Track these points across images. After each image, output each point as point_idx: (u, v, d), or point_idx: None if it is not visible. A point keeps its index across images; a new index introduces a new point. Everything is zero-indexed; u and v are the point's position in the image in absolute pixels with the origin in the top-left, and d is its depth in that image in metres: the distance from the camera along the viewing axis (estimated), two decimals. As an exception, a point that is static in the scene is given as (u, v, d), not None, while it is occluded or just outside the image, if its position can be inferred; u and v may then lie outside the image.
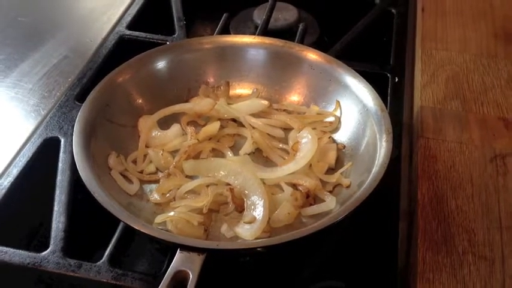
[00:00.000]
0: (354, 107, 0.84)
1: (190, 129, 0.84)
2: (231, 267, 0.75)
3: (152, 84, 0.89)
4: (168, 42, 1.03)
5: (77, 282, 0.71)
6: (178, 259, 0.63)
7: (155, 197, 0.78)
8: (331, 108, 0.88)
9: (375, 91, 0.83)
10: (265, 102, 0.89)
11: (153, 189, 0.79)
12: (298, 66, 0.91)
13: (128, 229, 0.73)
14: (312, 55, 0.90)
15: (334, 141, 0.86)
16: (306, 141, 0.82)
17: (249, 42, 0.94)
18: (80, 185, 0.72)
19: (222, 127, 0.87)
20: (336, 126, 0.86)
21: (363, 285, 0.74)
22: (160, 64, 0.90)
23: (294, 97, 0.92)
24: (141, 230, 0.66)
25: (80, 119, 0.78)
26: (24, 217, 0.82)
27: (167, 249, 0.72)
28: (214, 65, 0.93)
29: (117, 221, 0.69)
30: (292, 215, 0.75)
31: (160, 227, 0.71)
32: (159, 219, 0.73)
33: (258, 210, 0.74)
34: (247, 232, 0.72)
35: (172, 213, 0.74)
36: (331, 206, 0.75)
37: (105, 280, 0.69)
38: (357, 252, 0.77)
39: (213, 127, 0.86)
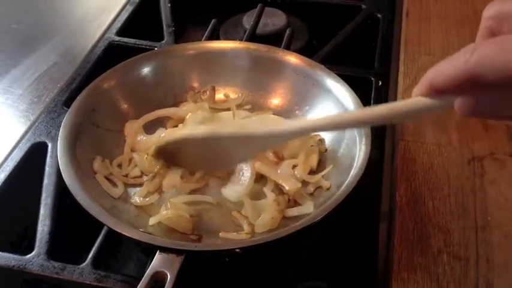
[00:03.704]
0: (335, 110, 0.85)
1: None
2: (213, 268, 0.77)
3: (138, 90, 0.90)
4: (156, 48, 1.05)
5: (61, 284, 0.72)
6: (157, 260, 0.64)
7: (135, 199, 0.79)
8: (313, 111, 0.89)
9: (356, 95, 0.84)
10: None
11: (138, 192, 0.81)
12: (282, 71, 0.92)
13: (111, 232, 0.74)
14: (296, 60, 0.92)
15: (323, 143, 0.87)
16: None
17: (234, 48, 0.96)
18: (67, 189, 0.74)
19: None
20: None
21: (344, 285, 0.75)
22: (146, 70, 0.91)
23: (278, 101, 0.93)
24: (122, 232, 0.67)
25: (66, 124, 0.80)
26: (12, 221, 0.83)
27: (150, 251, 0.74)
28: (199, 70, 0.94)
29: (100, 223, 0.71)
30: (276, 219, 0.76)
31: (142, 230, 0.72)
32: (153, 221, 0.76)
33: (245, 176, 0.77)
34: (233, 194, 0.77)
35: (164, 213, 0.76)
36: (308, 211, 0.76)
37: (88, 282, 0.70)
38: (339, 253, 0.78)
39: None
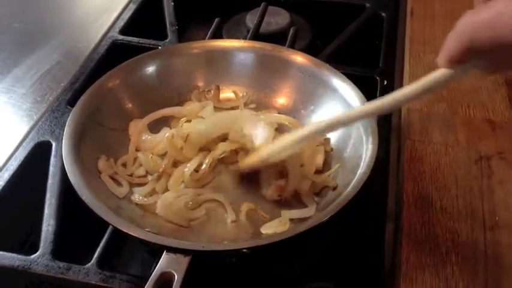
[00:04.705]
0: (341, 109, 0.85)
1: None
2: (220, 268, 0.76)
3: (142, 89, 0.90)
4: (160, 47, 1.04)
5: (66, 285, 0.72)
6: (164, 261, 0.64)
7: (135, 197, 0.79)
8: (319, 111, 0.89)
9: (362, 94, 0.83)
10: None
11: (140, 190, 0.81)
12: (287, 70, 0.92)
13: (117, 232, 0.73)
14: (301, 59, 0.91)
15: (328, 142, 0.86)
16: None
17: (239, 47, 0.95)
18: (72, 189, 0.73)
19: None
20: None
21: (351, 285, 0.75)
22: (150, 69, 0.91)
23: (283, 100, 0.92)
24: (128, 232, 0.67)
25: (70, 123, 0.79)
26: (16, 220, 0.83)
27: (156, 251, 0.73)
28: (204, 69, 0.94)
29: (105, 223, 0.70)
30: (284, 221, 0.76)
31: (148, 229, 0.72)
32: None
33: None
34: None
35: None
36: (309, 214, 0.76)
37: (93, 282, 0.70)
38: (345, 253, 0.78)
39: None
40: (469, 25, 0.51)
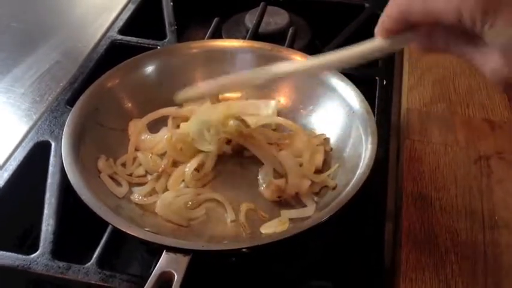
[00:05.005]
0: (341, 109, 0.85)
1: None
2: (219, 268, 0.76)
3: (142, 89, 0.90)
4: (159, 47, 1.04)
5: (66, 284, 0.72)
6: (163, 260, 0.64)
7: (135, 197, 0.79)
8: (318, 111, 0.89)
9: (361, 94, 0.83)
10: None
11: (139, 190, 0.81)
12: (286, 70, 0.92)
13: (116, 231, 0.73)
14: (300, 59, 0.91)
15: (328, 142, 0.86)
16: None
17: (238, 47, 0.95)
18: (72, 188, 0.73)
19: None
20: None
21: (350, 285, 0.75)
22: (150, 68, 0.91)
23: (283, 100, 0.92)
24: (128, 232, 0.67)
25: (69, 123, 0.80)
26: (16, 220, 0.82)
27: (156, 250, 0.73)
28: (203, 69, 0.94)
29: (105, 223, 0.70)
30: (284, 221, 0.76)
31: (147, 229, 0.72)
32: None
33: None
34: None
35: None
36: (309, 213, 0.76)
37: (93, 282, 0.70)
38: (344, 253, 0.78)
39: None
40: None
